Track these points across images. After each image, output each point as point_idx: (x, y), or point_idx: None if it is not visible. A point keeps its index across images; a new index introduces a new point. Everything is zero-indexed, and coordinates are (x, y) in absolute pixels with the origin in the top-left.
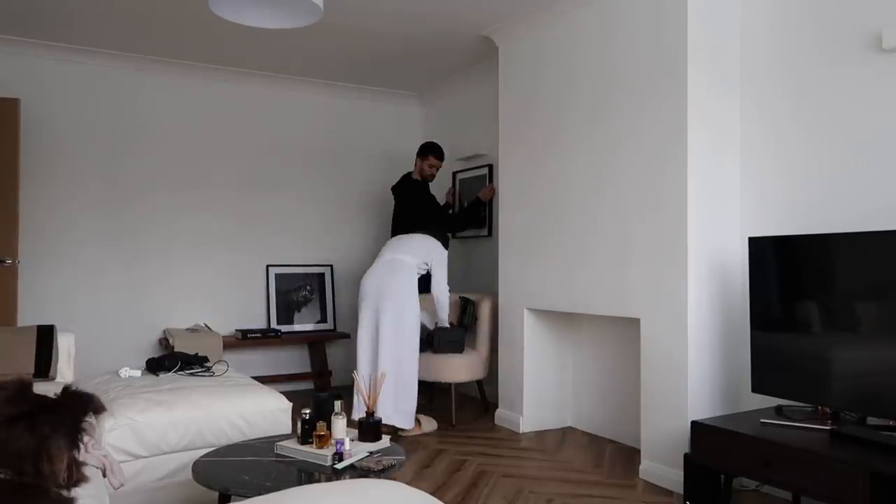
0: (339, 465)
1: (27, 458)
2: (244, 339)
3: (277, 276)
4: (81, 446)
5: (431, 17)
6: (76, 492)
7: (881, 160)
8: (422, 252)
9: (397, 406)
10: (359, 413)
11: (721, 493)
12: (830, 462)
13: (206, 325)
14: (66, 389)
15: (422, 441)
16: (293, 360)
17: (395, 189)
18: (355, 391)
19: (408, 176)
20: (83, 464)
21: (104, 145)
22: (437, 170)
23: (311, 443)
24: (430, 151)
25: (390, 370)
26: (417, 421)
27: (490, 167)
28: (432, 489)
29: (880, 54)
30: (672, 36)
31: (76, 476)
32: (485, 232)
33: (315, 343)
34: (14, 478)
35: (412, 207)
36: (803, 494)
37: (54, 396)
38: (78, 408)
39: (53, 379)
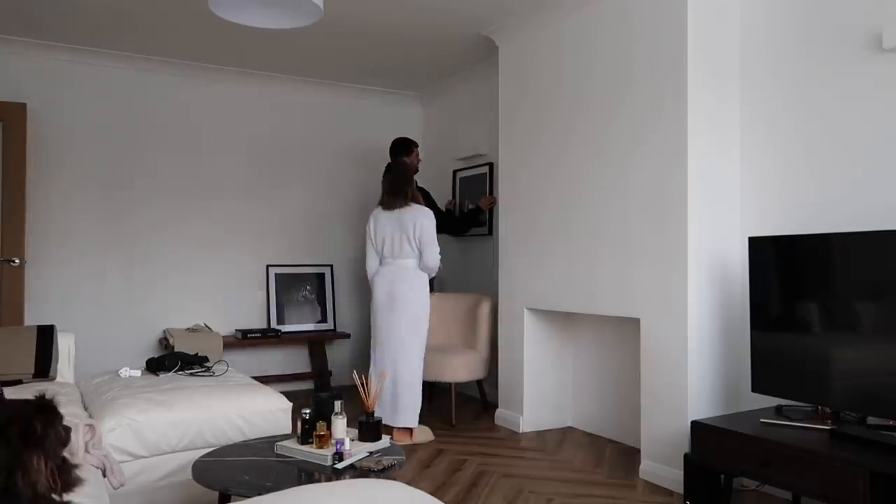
0: (339, 465)
1: (2, 472)
2: (244, 339)
3: (278, 276)
4: (66, 449)
5: (431, 17)
6: (71, 496)
7: (881, 160)
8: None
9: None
10: None
11: (721, 493)
12: (830, 462)
13: (206, 325)
14: (41, 398)
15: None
16: (293, 360)
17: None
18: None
19: None
20: (74, 466)
21: (106, 146)
22: None
23: (311, 443)
24: (412, 144)
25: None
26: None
27: (490, 167)
28: (432, 489)
29: (880, 54)
30: (672, 36)
31: (66, 481)
32: (485, 231)
33: (315, 343)
34: None
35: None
36: (803, 494)
37: (31, 397)
38: (46, 414)
39: (53, 379)
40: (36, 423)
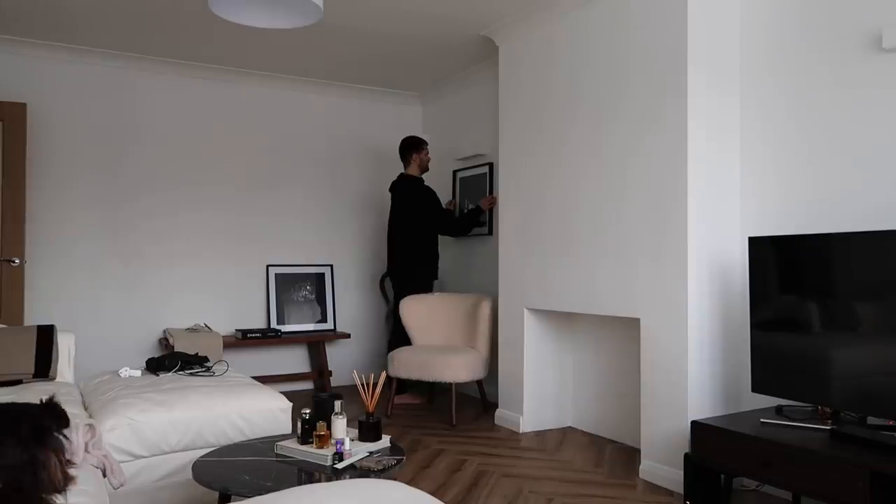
0: (339, 465)
1: (24, 470)
2: (244, 339)
3: (278, 276)
4: (66, 445)
5: (431, 17)
6: (68, 496)
7: (881, 159)
8: None
9: None
10: None
11: (721, 493)
12: (830, 462)
13: (206, 325)
14: (50, 400)
15: (422, 441)
16: (293, 360)
17: (393, 189)
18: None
19: (405, 176)
20: (70, 463)
21: (107, 147)
22: None
23: (311, 443)
24: (423, 142)
25: None
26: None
27: (490, 167)
28: (432, 489)
29: (880, 54)
30: (672, 36)
31: (67, 478)
32: (485, 230)
33: (315, 343)
34: (4, 489)
35: (415, 207)
36: (803, 494)
37: (40, 400)
38: (55, 415)
39: (53, 379)
40: (47, 422)
